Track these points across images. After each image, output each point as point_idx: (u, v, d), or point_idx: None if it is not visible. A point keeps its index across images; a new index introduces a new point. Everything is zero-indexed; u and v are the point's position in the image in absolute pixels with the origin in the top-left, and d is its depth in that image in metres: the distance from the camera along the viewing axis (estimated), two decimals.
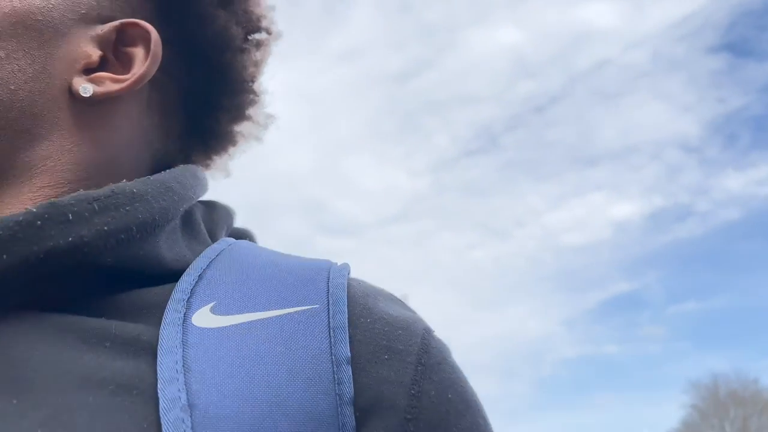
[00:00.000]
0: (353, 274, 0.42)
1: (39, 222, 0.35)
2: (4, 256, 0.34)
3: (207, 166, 0.57)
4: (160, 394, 0.32)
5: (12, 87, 0.41)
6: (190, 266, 0.41)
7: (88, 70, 0.44)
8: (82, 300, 0.37)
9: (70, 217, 0.36)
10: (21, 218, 0.35)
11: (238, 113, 0.55)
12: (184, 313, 0.37)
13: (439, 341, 0.39)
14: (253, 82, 0.54)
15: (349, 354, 0.35)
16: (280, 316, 0.37)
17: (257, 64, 0.54)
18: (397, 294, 0.42)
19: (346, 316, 0.37)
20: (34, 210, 0.35)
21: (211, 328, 0.36)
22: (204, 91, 0.53)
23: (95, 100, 0.44)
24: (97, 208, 0.37)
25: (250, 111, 0.56)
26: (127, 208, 0.38)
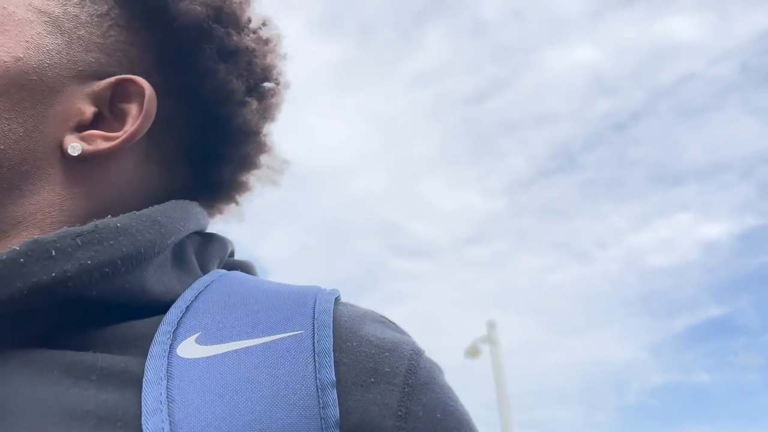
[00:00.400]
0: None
1: (22, 259, 0.36)
2: None
3: (219, 212, 0.58)
4: (143, 426, 0.33)
5: (1, 147, 0.41)
6: (178, 298, 0.41)
7: (80, 127, 0.45)
8: (68, 334, 0.38)
9: (53, 253, 0.36)
10: (4, 256, 0.35)
11: (244, 163, 0.56)
12: (170, 345, 0.37)
13: (428, 361, 0.39)
14: (258, 132, 0.55)
15: (334, 378, 0.35)
16: (265, 343, 0.37)
17: (263, 114, 0.55)
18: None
19: (332, 340, 0.37)
20: (17, 248, 0.36)
21: (196, 359, 0.36)
22: (206, 142, 0.53)
23: (86, 157, 0.44)
24: (80, 243, 0.37)
25: (259, 159, 0.57)
26: (111, 242, 0.39)
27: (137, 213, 0.42)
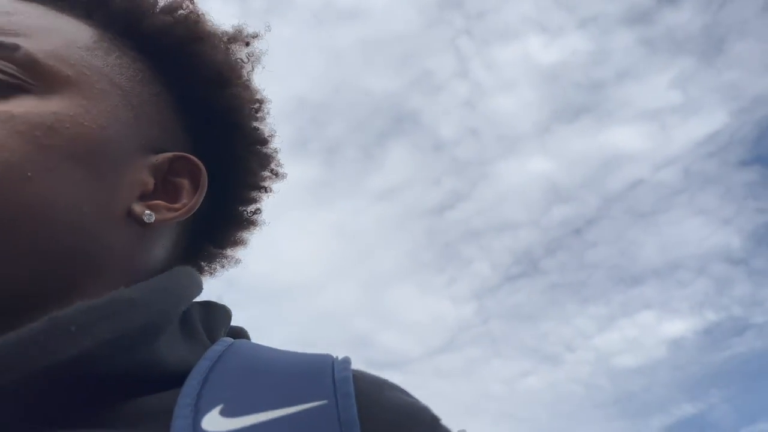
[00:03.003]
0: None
1: (42, 337, 0.34)
2: (8, 374, 0.33)
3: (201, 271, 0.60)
4: None
5: (84, 209, 0.42)
6: (192, 369, 0.40)
7: (143, 197, 0.46)
8: (86, 411, 0.36)
9: (73, 329, 0.35)
10: (24, 335, 0.34)
11: (232, 240, 0.60)
12: (193, 418, 0.36)
13: (445, 428, 0.40)
14: (254, 214, 0.59)
15: None
16: (290, 414, 0.37)
17: (263, 200, 0.59)
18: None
19: (355, 409, 0.37)
20: (36, 325, 0.35)
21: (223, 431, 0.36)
22: (213, 218, 0.56)
23: (148, 225, 0.45)
24: (97, 317, 0.37)
25: (240, 238, 0.60)
26: (127, 314, 0.38)
27: (146, 283, 0.42)
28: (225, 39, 0.54)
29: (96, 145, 0.43)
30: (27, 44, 0.43)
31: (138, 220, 0.45)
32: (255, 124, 0.56)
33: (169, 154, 0.48)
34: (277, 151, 0.58)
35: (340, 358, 0.42)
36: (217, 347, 0.44)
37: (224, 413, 0.37)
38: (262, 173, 0.58)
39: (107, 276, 0.44)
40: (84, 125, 0.43)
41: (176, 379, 0.40)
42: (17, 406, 0.34)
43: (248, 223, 0.59)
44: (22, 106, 0.42)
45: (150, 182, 0.47)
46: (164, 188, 0.48)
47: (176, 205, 0.47)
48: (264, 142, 0.57)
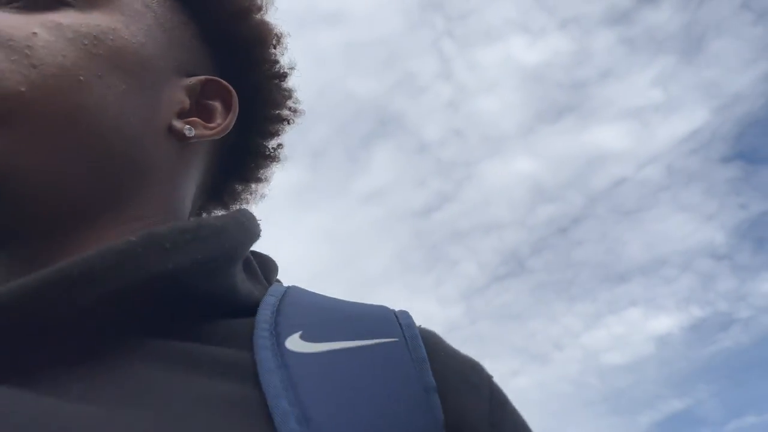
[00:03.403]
0: None
1: (140, 249, 0.36)
2: (109, 283, 0.34)
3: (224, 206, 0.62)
4: (271, 409, 0.33)
5: (131, 119, 0.43)
6: (261, 301, 0.42)
7: (181, 115, 0.48)
8: (177, 327, 0.38)
9: (168, 246, 0.37)
10: (123, 247, 0.35)
11: (255, 176, 0.61)
12: (276, 340, 0.38)
13: (497, 385, 0.42)
14: (276, 149, 0.61)
15: (434, 383, 0.37)
16: (367, 345, 0.38)
17: (282, 135, 0.60)
18: None
19: (424, 350, 0.39)
20: (134, 239, 0.36)
21: (307, 353, 0.37)
22: (238, 152, 0.58)
23: (186, 142, 0.47)
24: (189, 238, 0.38)
25: (263, 174, 0.61)
26: (214, 239, 0.40)
27: (227, 215, 0.44)
28: None
29: (138, 58, 0.45)
30: None
31: (178, 135, 0.47)
32: (275, 57, 0.57)
33: (202, 78, 0.50)
34: (295, 89, 0.60)
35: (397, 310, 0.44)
36: (279, 287, 0.46)
37: (304, 338, 0.38)
38: (284, 106, 0.59)
39: (153, 188, 0.45)
40: (125, 39, 0.45)
41: (248, 309, 0.41)
42: (111, 314, 0.35)
43: (271, 158, 0.61)
44: (67, 17, 0.43)
45: (186, 102, 0.48)
46: (198, 110, 0.50)
47: (211, 124, 0.49)
48: (284, 75, 0.58)
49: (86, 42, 0.42)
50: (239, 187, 0.61)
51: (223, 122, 0.50)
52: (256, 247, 0.48)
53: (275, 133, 0.60)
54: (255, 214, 0.49)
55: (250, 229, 0.45)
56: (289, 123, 0.60)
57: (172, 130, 0.46)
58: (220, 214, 0.45)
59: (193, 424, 0.32)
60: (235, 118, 0.50)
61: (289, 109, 0.60)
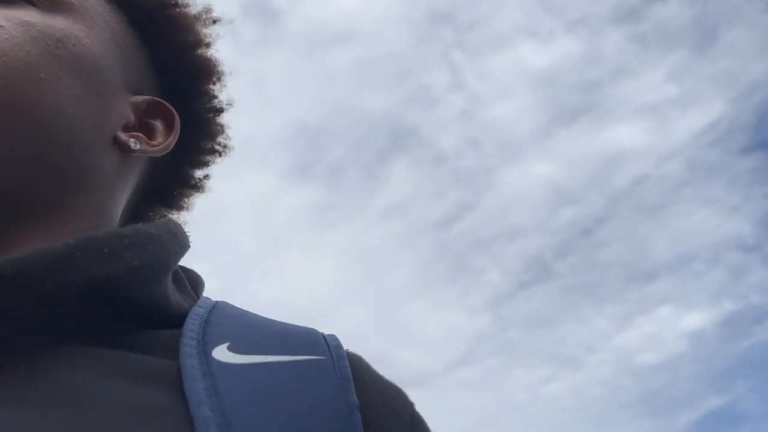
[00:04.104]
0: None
1: (78, 253, 0.35)
2: (45, 285, 0.34)
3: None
4: (193, 416, 0.33)
5: (83, 123, 0.44)
6: (190, 312, 0.42)
7: (126, 129, 0.49)
8: (105, 333, 0.37)
9: (105, 251, 0.36)
10: (62, 249, 0.35)
11: (176, 203, 0.62)
12: (203, 349, 0.38)
13: (419, 414, 0.44)
14: (205, 180, 0.63)
15: (358, 402, 0.38)
16: (294, 361, 0.39)
17: (211, 167, 0.63)
18: None
19: (350, 370, 0.40)
20: (72, 242, 0.35)
21: (233, 363, 0.37)
22: (165, 176, 0.59)
23: (128, 154, 0.48)
24: (127, 243, 0.38)
25: (185, 203, 0.63)
26: (150, 247, 0.40)
27: (159, 224, 0.44)
28: (194, 13, 0.58)
29: (94, 67, 0.46)
30: None
31: (123, 147, 0.48)
32: (215, 91, 0.60)
33: (147, 97, 0.52)
34: (228, 126, 0.62)
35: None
36: (208, 300, 0.46)
37: (231, 349, 0.39)
38: (217, 140, 0.61)
39: (92, 194, 0.45)
40: (85, 46, 0.46)
41: (177, 319, 0.41)
42: (42, 319, 0.35)
43: (196, 187, 0.63)
44: (32, 16, 0.44)
45: (132, 117, 0.50)
46: (141, 127, 0.51)
47: (153, 142, 0.50)
48: (221, 110, 0.61)
49: (50, 43, 0.43)
50: (160, 212, 0.62)
51: (164, 141, 0.51)
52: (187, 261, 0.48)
53: (205, 164, 0.62)
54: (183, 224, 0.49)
55: (181, 240, 0.45)
56: (219, 155, 0.62)
57: (116, 142, 0.47)
58: (151, 222, 0.44)
59: (113, 428, 0.31)
60: (176, 139, 0.52)
61: (221, 144, 0.62)
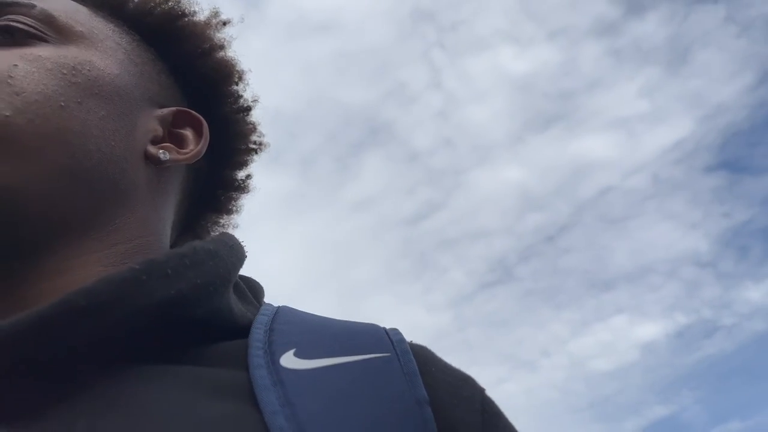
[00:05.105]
0: None
1: (144, 277, 0.36)
2: (116, 311, 0.35)
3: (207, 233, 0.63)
4: (269, 426, 0.33)
5: (111, 143, 0.45)
6: (253, 321, 0.43)
7: (155, 142, 0.50)
8: (176, 351, 0.39)
9: (169, 272, 0.38)
10: (128, 275, 0.36)
11: (226, 206, 0.63)
12: (270, 358, 0.39)
13: (490, 398, 0.43)
14: (246, 180, 0.63)
15: (427, 396, 0.37)
16: (359, 360, 0.39)
17: (250, 166, 0.63)
18: None
19: (415, 364, 0.40)
20: (137, 267, 0.37)
21: (301, 369, 0.38)
22: (209, 182, 0.60)
23: (162, 167, 0.49)
24: (188, 263, 0.39)
25: (234, 205, 0.64)
26: (210, 263, 0.41)
27: (216, 239, 0.45)
28: (203, 19, 0.59)
29: (113, 87, 0.47)
30: (42, 4, 0.48)
31: (154, 160, 0.48)
32: (239, 92, 0.60)
33: (173, 108, 0.53)
34: (259, 122, 0.62)
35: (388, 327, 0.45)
36: (269, 307, 0.47)
37: (298, 355, 0.39)
38: (250, 139, 0.62)
39: (134, 211, 0.46)
40: (101, 70, 0.47)
41: (241, 330, 0.42)
42: (117, 342, 0.36)
43: (241, 188, 0.63)
44: (45, 51, 0.46)
45: (159, 130, 0.50)
46: (170, 138, 0.52)
47: (184, 150, 0.51)
48: (248, 109, 0.61)
49: (65, 72, 0.45)
50: (211, 219, 0.63)
51: (195, 148, 0.51)
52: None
53: (243, 164, 0.63)
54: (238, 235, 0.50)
55: (238, 252, 0.46)
56: (256, 154, 0.63)
57: (147, 156, 0.48)
58: (208, 238, 0.45)
59: None
60: (206, 145, 0.52)
61: (255, 142, 0.63)
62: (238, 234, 0.52)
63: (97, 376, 0.35)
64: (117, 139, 0.46)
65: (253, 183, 0.64)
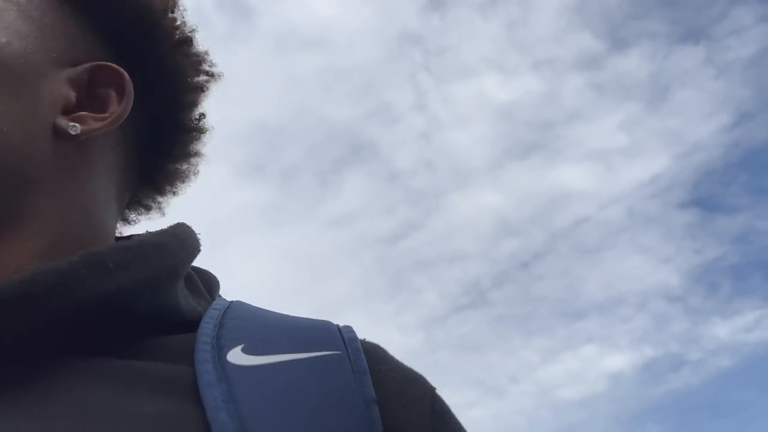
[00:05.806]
0: None
1: (83, 270, 0.35)
2: (52, 304, 0.34)
3: (154, 205, 0.58)
4: (210, 422, 0.33)
5: (4, 129, 0.40)
6: (204, 316, 0.42)
7: (67, 111, 0.44)
8: (118, 345, 0.38)
9: (111, 266, 0.36)
10: (65, 267, 0.35)
11: (185, 151, 0.56)
12: (218, 353, 0.38)
13: (440, 397, 0.42)
14: (200, 120, 0.55)
15: (375, 395, 0.37)
16: (309, 358, 0.38)
17: (202, 103, 0.55)
18: None
19: (366, 362, 0.39)
20: (77, 259, 0.35)
21: (248, 366, 0.37)
22: (158, 130, 0.53)
23: (77, 139, 0.43)
24: (132, 257, 0.38)
25: (198, 146, 0.57)
26: (156, 258, 0.39)
27: (166, 232, 0.43)
28: None
29: (1, 61, 0.41)
30: None
31: (65, 134, 0.43)
32: (173, 23, 0.52)
33: (87, 65, 0.46)
34: (207, 52, 0.55)
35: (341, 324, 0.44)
36: (222, 301, 0.46)
37: (246, 351, 0.38)
38: (195, 73, 0.54)
39: (53, 196, 0.42)
40: None
41: (190, 324, 0.41)
42: (58, 336, 0.35)
43: (196, 129, 0.56)
44: None
45: (71, 95, 0.44)
46: (90, 101, 0.45)
47: (103, 114, 0.45)
48: (188, 40, 0.53)
49: None
50: (171, 167, 0.57)
51: (116, 109, 0.45)
52: (201, 262, 0.47)
53: (193, 103, 0.55)
54: (193, 228, 0.47)
55: (190, 245, 0.45)
56: (203, 90, 0.55)
57: (56, 130, 0.42)
58: (159, 230, 0.43)
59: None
60: (131, 102, 0.46)
61: (204, 73, 0.55)
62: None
63: (29, 370, 0.34)
64: (14, 122, 0.40)
65: (207, 122, 0.57)
